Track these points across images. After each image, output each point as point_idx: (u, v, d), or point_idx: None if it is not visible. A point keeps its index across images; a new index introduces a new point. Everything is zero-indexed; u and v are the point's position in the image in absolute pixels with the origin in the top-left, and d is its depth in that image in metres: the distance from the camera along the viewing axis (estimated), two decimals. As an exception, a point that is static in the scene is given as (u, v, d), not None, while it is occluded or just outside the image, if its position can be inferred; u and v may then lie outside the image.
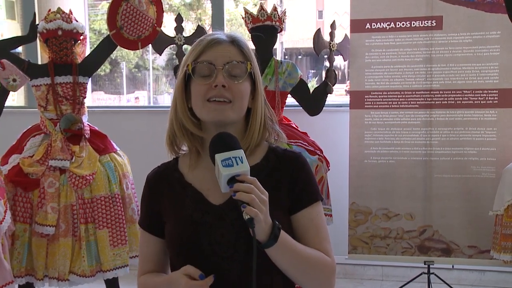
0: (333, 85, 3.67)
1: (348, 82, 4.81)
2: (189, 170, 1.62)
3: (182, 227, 1.54)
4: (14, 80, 3.08)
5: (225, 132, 1.49)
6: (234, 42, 1.56)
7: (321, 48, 3.63)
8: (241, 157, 1.41)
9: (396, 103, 3.51)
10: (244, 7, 3.50)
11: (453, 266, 3.84)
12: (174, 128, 1.61)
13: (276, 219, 1.44)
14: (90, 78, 3.36)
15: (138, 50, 3.64)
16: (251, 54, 1.58)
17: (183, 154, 1.66)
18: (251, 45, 1.62)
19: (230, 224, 1.49)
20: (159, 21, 3.41)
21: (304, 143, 3.39)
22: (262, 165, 1.58)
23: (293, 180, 1.57)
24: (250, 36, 3.48)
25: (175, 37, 3.56)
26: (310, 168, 1.63)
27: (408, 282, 3.52)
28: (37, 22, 3.28)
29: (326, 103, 3.65)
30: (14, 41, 3.45)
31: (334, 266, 1.55)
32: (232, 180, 1.39)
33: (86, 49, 3.40)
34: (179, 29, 3.57)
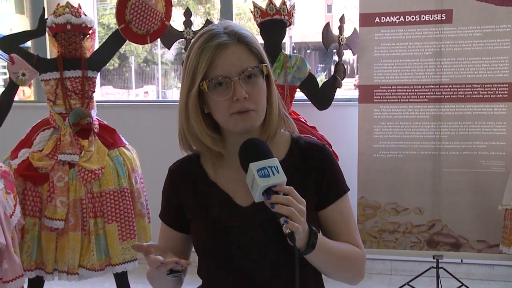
0: (342, 79, 3.66)
1: (357, 76, 4.79)
2: (213, 169, 1.59)
3: (210, 229, 1.52)
4: (24, 75, 3.09)
5: (256, 138, 1.46)
6: (240, 41, 1.48)
7: (330, 42, 3.62)
8: (277, 166, 1.37)
9: (405, 97, 3.49)
10: (253, 1, 3.48)
11: (462, 261, 3.82)
12: (187, 136, 1.56)
13: (306, 218, 1.41)
14: (99, 73, 3.37)
15: (146, 45, 3.64)
16: (260, 49, 1.52)
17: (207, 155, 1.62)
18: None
19: (259, 226, 1.48)
20: (168, 15, 3.40)
21: (313, 138, 3.38)
22: (288, 161, 1.55)
23: (320, 174, 1.55)
24: (258, 31, 3.47)
25: (184, 31, 3.56)
26: (335, 159, 1.61)
27: (416, 277, 3.51)
28: (46, 17, 3.28)
29: (335, 97, 3.64)
30: (23, 36, 3.47)
31: (364, 256, 1.57)
32: (268, 191, 1.35)
33: (95, 44, 3.41)
34: (188, 23, 3.56)
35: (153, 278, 1.61)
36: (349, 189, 1.61)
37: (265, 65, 1.50)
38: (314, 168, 1.55)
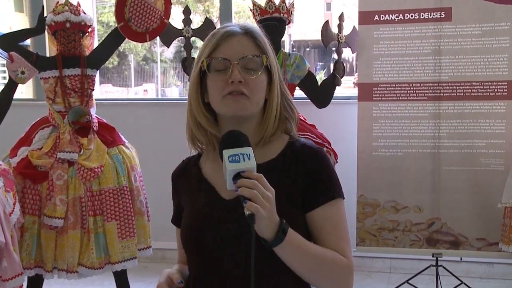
0: (341, 77, 3.66)
1: (356, 74, 4.80)
2: (207, 164, 1.61)
3: (192, 219, 1.54)
4: (23, 73, 3.08)
5: (237, 130, 1.46)
6: (248, 33, 1.54)
7: (329, 40, 3.62)
8: (249, 154, 1.38)
9: (405, 95, 3.49)
10: (252, -1, 3.49)
11: (461, 259, 3.83)
12: (190, 124, 1.59)
13: (289, 217, 1.41)
14: (98, 71, 3.37)
15: (146, 43, 3.64)
16: (267, 45, 1.56)
17: (206, 148, 1.65)
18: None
19: (236, 219, 1.47)
20: (167, 13, 3.40)
21: (312, 136, 3.38)
22: (278, 161, 1.55)
23: (309, 176, 1.53)
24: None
25: (183, 29, 3.56)
26: (330, 164, 1.58)
27: (416, 275, 3.51)
28: (45, 15, 3.28)
29: (334, 95, 3.64)
30: (23, 34, 3.47)
31: (350, 266, 1.50)
32: (238, 177, 1.37)
33: (94, 42, 3.40)
34: (187, 21, 3.56)
35: None
36: (344, 197, 1.56)
37: (266, 57, 1.53)
38: (305, 171, 1.53)
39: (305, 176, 1.53)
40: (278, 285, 1.47)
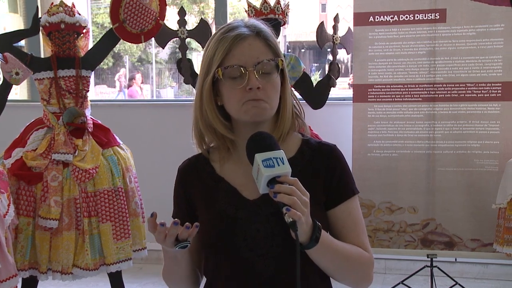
0: (336, 79, 3.67)
1: (351, 75, 4.80)
2: (220, 164, 1.59)
3: (216, 221, 1.52)
4: (17, 74, 3.08)
5: (264, 131, 1.46)
6: (259, 34, 1.51)
7: (324, 41, 3.63)
8: (282, 158, 1.37)
9: (399, 96, 3.50)
10: (247, 0, 3.49)
11: (456, 259, 3.84)
12: (200, 126, 1.57)
13: (313, 215, 1.41)
14: (93, 72, 3.37)
15: (141, 44, 3.63)
16: (277, 45, 1.55)
17: (212, 147, 1.63)
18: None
19: (265, 219, 1.47)
20: (162, 14, 3.40)
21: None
22: (297, 159, 1.55)
23: (329, 174, 1.54)
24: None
25: (178, 30, 3.56)
26: (346, 161, 1.61)
27: (411, 275, 3.52)
28: (39, 16, 3.28)
29: (329, 96, 3.64)
30: (17, 35, 3.46)
31: (372, 260, 1.55)
32: (272, 181, 1.36)
33: (89, 43, 3.40)
34: (182, 22, 3.56)
35: (168, 268, 1.60)
36: (359, 192, 1.60)
37: (281, 60, 1.52)
38: (324, 167, 1.55)
39: (325, 173, 1.55)
40: (308, 285, 1.49)
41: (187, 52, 3.56)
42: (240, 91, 1.47)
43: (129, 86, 10.23)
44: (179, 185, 1.65)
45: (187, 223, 1.39)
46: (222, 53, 1.48)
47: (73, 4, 3.27)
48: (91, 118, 3.31)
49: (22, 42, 4.63)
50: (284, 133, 1.56)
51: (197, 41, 3.62)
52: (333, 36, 3.63)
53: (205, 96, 1.53)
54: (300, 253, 1.33)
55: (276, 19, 3.42)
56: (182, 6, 3.63)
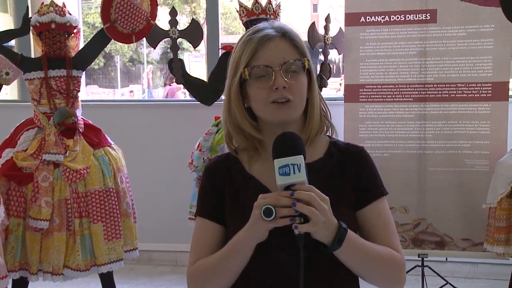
0: (328, 79, 3.67)
1: (342, 75, 4.81)
2: (249, 163, 1.60)
3: (246, 219, 1.48)
4: (7, 74, 3.06)
5: (290, 132, 1.46)
6: (284, 35, 1.53)
7: (315, 41, 3.63)
8: (299, 164, 1.36)
9: (391, 96, 3.51)
10: (238, 0, 3.48)
11: (446, 259, 3.85)
12: (228, 127, 1.59)
13: (341, 216, 1.41)
14: (84, 72, 3.35)
15: (132, 44, 3.63)
16: (304, 46, 1.56)
17: (240, 149, 1.64)
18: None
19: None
20: (153, 14, 3.40)
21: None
22: (326, 160, 1.57)
23: (357, 174, 1.56)
24: (244, 30, 3.47)
25: (169, 30, 3.55)
26: (373, 162, 1.62)
27: (402, 275, 3.52)
28: (30, 15, 3.26)
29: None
30: (7, 35, 3.43)
31: (403, 261, 1.54)
32: (289, 188, 1.36)
33: (79, 43, 3.39)
34: (173, 22, 3.55)
35: (223, 267, 1.52)
36: (387, 193, 1.61)
37: (307, 60, 1.53)
38: (353, 168, 1.57)
39: (354, 174, 1.56)
40: (332, 279, 1.49)
41: (179, 52, 3.56)
42: (266, 90, 1.49)
43: (168, 84, 10.03)
44: (207, 182, 1.64)
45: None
46: (249, 54, 1.51)
47: (63, 4, 3.26)
48: (82, 118, 3.30)
49: (12, 42, 4.61)
50: (312, 134, 1.58)
51: (189, 41, 3.62)
52: (325, 36, 3.64)
53: (233, 97, 1.55)
54: (324, 254, 1.38)
55: (267, 19, 3.41)
56: (173, 6, 3.62)
